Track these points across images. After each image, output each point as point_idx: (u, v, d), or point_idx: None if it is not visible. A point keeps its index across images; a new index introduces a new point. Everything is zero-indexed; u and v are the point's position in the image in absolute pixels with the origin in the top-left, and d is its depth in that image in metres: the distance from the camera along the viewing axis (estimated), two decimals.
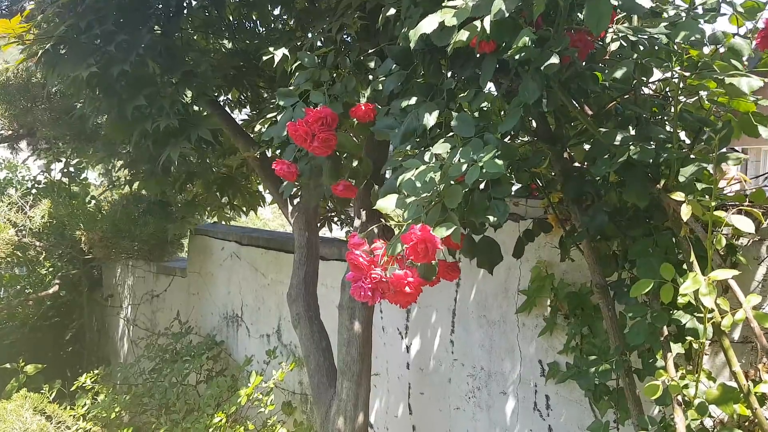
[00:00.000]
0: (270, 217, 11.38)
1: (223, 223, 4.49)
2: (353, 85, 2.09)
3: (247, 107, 3.83)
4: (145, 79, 2.70)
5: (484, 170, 1.32)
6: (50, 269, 6.12)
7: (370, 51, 2.20)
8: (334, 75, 2.16)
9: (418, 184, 1.39)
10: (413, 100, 1.69)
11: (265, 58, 2.41)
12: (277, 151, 3.43)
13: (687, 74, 1.36)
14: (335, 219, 3.57)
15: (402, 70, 1.80)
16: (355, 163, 2.42)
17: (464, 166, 1.36)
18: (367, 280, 1.27)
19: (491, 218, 1.39)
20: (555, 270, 2.43)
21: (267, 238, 4.18)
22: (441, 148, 1.50)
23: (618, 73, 1.26)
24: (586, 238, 1.64)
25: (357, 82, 2.10)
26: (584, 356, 2.27)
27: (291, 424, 3.79)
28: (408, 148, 1.75)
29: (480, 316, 2.75)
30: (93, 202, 5.84)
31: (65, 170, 6.11)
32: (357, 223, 2.55)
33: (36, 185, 6.05)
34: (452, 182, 1.38)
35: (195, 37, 3.36)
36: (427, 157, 1.43)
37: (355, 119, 2.06)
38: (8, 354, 6.05)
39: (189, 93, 2.80)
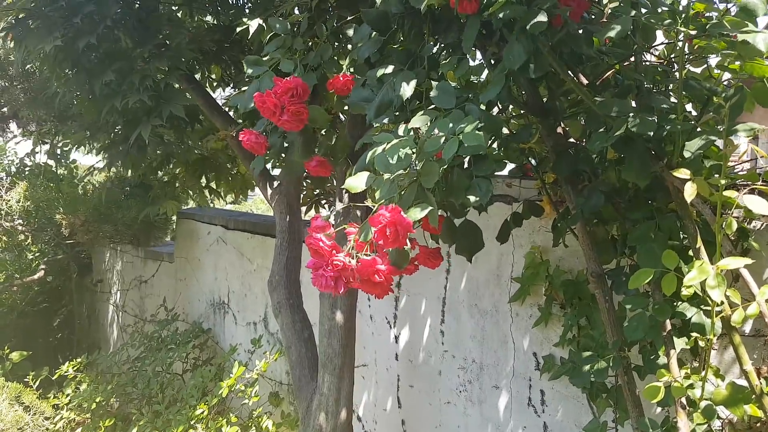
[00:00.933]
0: (258, 199, 11.23)
1: (211, 206, 4.36)
2: (330, 55, 1.93)
3: (231, 86, 3.67)
4: (116, 53, 2.54)
5: (463, 144, 1.17)
6: (36, 254, 6.00)
7: (348, 18, 2.03)
8: (310, 44, 2.00)
9: (391, 161, 1.24)
10: (389, 69, 1.53)
11: (239, 29, 2.25)
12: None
13: (693, 33, 1.20)
14: (323, 202, 3.42)
15: (379, 36, 1.64)
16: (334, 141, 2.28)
17: (442, 140, 1.21)
18: (329, 267, 1.12)
19: (472, 198, 1.24)
20: (550, 256, 2.29)
21: (253, 222, 4.04)
22: (419, 121, 1.35)
23: (612, 32, 1.09)
24: (581, 221, 1.49)
25: (334, 51, 1.95)
26: (580, 350, 2.14)
27: (278, 415, 3.67)
28: (385, 122, 1.60)
29: (471, 305, 2.61)
30: (80, 184, 5.71)
31: (51, 152, 5.96)
32: (339, 205, 2.40)
33: (21, 168, 5.90)
34: (431, 159, 1.23)
35: (179, 14, 3.19)
36: (401, 131, 1.27)
37: (332, 92, 1.91)
38: None
39: (163, 68, 2.64)
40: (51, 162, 5.90)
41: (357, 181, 1.31)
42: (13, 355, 5.40)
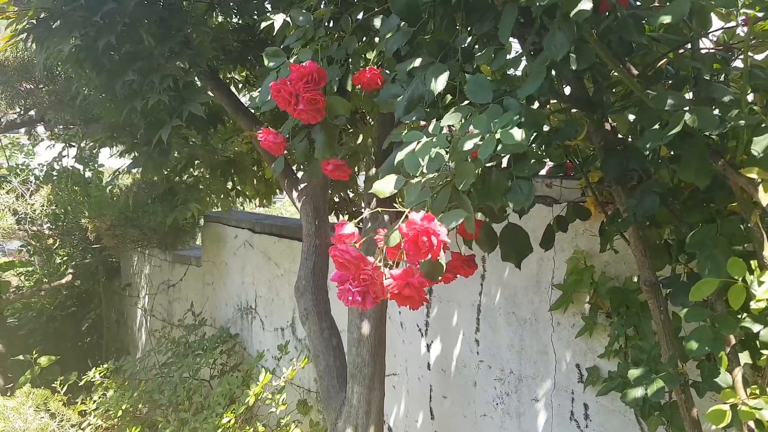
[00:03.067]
0: (287, 201, 11.25)
1: (238, 209, 4.33)
2: (355, 47, 1.86)
3: (257, 87, 3.63)
4: (137, 52, 2.51)
5: (502, 143, 1.08)
6: (64, 258, 6.08)
7: (376, 9, 1.96)
8: (336, 37, 1.93)
9: (422, 161, 1.16)
10: (418, 62, 1.45)
11: (264, 24, 2.19)
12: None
13: (761, 15, 1.09)
14: (344, 210, 3.36)
15: (409, 27, 1.56)
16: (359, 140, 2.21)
17: (478, 139, 1.12)
18: (356, 281, 1.05)
19: (512, 202, 1.16)
20: (595, 261, 2.18)
21: (280, 226, 3.99)
22: (452, 118, 1.27)
23: (667, 17, 0.99)
24: (633, 226, 1.39)
25: (361, 44, 1.87)
26: (629, 363, 2.02)
27: (307, 424, 3.62)
28: (414, 119, 1.52)
29: (509, 313, 2.51)
30: (108, 188, 5.76)
31: (79, 155, 6.03)
32: (367, 211, 2.33)
33: (49, 172, 5.98)
34: (466, 159, 1.14)
35: (205, 18, 3.17)
36: (432, 128, 1.19)
37: (359, 87, 1.84)
38: (25, 345, 6.06)
39: (184, 67, 2.61)
40: (79, 166, 5.97)
41: (385, 185, 1.24)
42: (41, 359, 5.49)
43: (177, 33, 2.51)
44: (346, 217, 4.10)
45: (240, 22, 3.35)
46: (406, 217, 1.16)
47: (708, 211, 1.40)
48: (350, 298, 1.05)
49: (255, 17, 3.37)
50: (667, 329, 1.44)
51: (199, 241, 5.85)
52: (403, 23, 1.63)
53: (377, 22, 1.92)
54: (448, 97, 1.46)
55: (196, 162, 3.50)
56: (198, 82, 2.65)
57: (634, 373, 1.46)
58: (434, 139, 1.14)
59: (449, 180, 1.20)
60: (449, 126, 1.27)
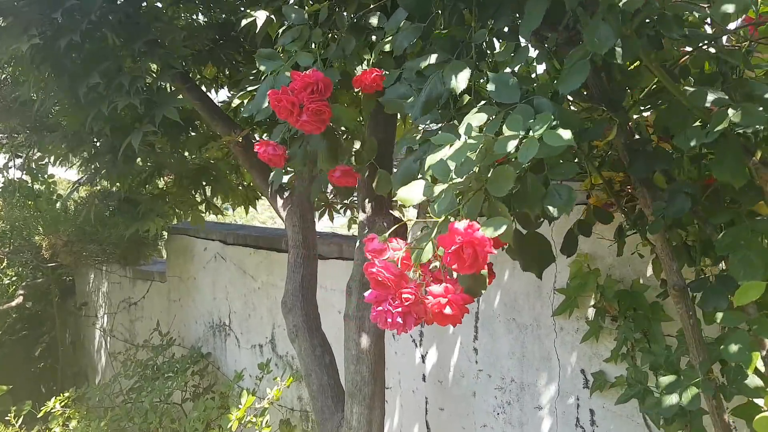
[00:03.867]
0: (258, 210, 11.03)
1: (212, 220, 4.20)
2: (352, 47, 1.80)
3: (226, 88, 3.53)
4: (102, 53, 2.39)
5: (545, 144, 1.04)
6: (13, 278, 5.81)
7: (372, 6, 1.90)
8: (329, 36, 1.87)
9: (453, 166, 1.10)
10: (434, 59, 1.40)
11: (244, 22, 2.11)
12: (264, 135, 3.16)
13: None
14: (339, 207, 3.27)
15: (419, 21, 1.51)
16: (357, 145, 2.14)
17: (513, 142, 1.08)
18: (397, 301, 0.98)
19: (551, 208, 1.12)
20: (599, 264, 2.16)
21: (255, 236, 3.89)
22: (477, 118, 1.22)
23: (729, 6, 0.97)
24: (663, 228, 1.37)
25: (358, 44, 1.81)
26: (638, 367, 2.01)
27: None
28: (426, 123, 1.47)
29: (509, 319, 2.48)
30: (60, 202, 5.52)
31: (27, 166, 5.77)
32: (362, 216, 2.27)
33: None
34: (499, 163, 1.10)
35: (166, 11, 3.05)
36: (463, 130, 1.14)
37: (358, 90, 1.78)
38: None
39: (154, 68, 2.51)
40: (26, 178, 5.71)
41: (411, 192, 1.18)
42: None
43: (145, 31, 2.40)
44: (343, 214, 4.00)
45: (206, 20, 3.25)
46: (440, 227, 1.11)
47: (734, 211, 1.39)
48: (389, 320, 0.99)
49: (223, 15, 3.28)
50: (696, 334, 1.43)
51: (163, 255, 5.68)
52: (404, 22, 1.59)
53: (374, 20, 1.86)
54: (465, 97, 1.41)
55: (164, 171, 3.37)
56: (170, 87, 2.55)
57: (665, 380, 1.44)
58: (468, 143, 1.08)
59: (479, 186, 1.15)
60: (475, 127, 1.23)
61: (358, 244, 2.27)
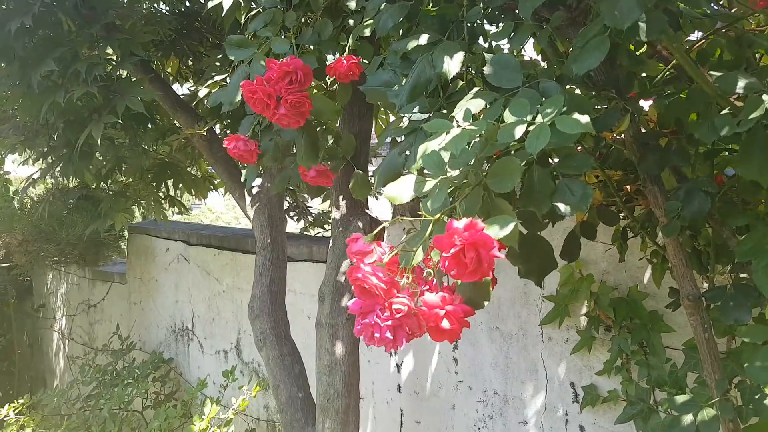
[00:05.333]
0: (222, 210, 10.68)
1: (170, 218, 3.96)
2: (330, 32, 1.62)
3: (190, 80, 3.32)
4: (56, 38, 2.17)
5: (558, 132, 0.88)
6: None
7: None
8: (302, 20, 1.68)
9: (455, 155, 0.93)
10: (423, 40, 1.23)
11: (210, 4, 1.91)
12: (227, 130, 2.95)
13: None
14: (290, 213, 3.09)
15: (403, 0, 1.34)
16: (330, 141, 1.97)
17: (520, 128, 0.91)
18: (386, 313, 0.81)
19: (562, 206, 0.95)
20: (591, 269, 2.02)
21: (220, 237, 3.67)
22: (473, 105, 1.06)
23: None
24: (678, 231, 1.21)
25: (336, 28, 1.63)
26: (632, 381, 1.87)
27: None
28: (412, 112, 1.30)
29: (492, 328, 2.32)
30: (17, 199, 5.21)
31: None
32: (336, 214, 2.09)
33: None
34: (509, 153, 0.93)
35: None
36: (461, 116, 0.97)
37: (330, 79, 1.61)
38: None
39: (113, 56, 2.29)
40: None
41: (400, 189, 1.00)
42: None
43: (102, 16, 2.19)
44: (299, 222, 3.81)
45: (168, 10, 3.04)
46: (434, 226, 0.94)
47: (752, 213, 1.25)
48: (377, 335, 0.82)
49: (188, 4, 3.08)
50: (712, 349, 1.28)
51: (124, 255, 5.40)
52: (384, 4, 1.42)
53: (352, 4, 1.68)
54: (458, 82, 1.24)
55: (123, 166, 3.14)
56: (131, 76, 2.33)
57: (679, 399, 1.29)
58: (469, 128, 0.91)
59: (480, 180, 0.98)
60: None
61: (331, 244, 2.09)
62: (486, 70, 1.12)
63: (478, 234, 0.78)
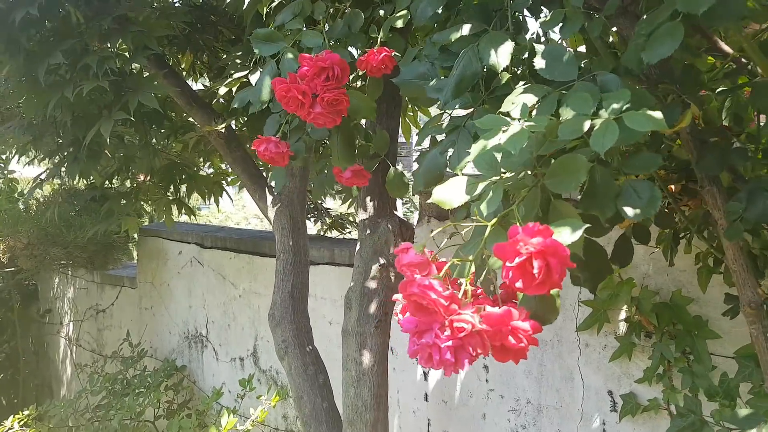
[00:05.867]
0: (232, 210, 10.63)
1: (180, 221, 3.95)
2: (360, 24, 1.59)
3: (204, 76, 3.29)
4: (64, 30, 2.15)
5: (628, 129, 0.84)
6: None
7: None
8: (330, 11, 1.65)
9: (513, 154, 0.89)
10: (466, 30, 1.19)
11: None
12: (244, 128, 2.92)
13: None
14: (308, 215, 3.06)
15: None
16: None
17: (586, 123, 0.87)
18: (447, 332, 0.77)
19: (629, 210, 0.91)
20: (631, 273, 1.97)
21: (236, 239, 3.65)
22: (523, 99, 1.02)
23: None
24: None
25: (367, 19, 1.60)
26: (675, 390, 1.83)
27: None
28: (454, 108, 1.26)
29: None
30: (22, 200, 5.21)
31: None
32: (363, 216, 2.05)
33: None
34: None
35: None
36: (517, 112, 0.93)
37: (364, 72, 1.57)
38: None
39: (125, 50, 2.27)
40: None
41: (450, 192, 0.97)
42: None
43: (113, 6, 2.16)
44: (317, 224, 3.78)
45: (182, 2, 3.02)
46: (494, 233, 0.90)
47: None
48: (436, 357, 0.78)
49: None
50: None
51: (134, 258, 5.40)
52: None
53: None
54: (504, 75, 1.20)
55: (132, 166, 3.12)
56: (143, 70, 2.31)
57: (740, 413, 1.24)
58: (528, 125, 0.87)
59: (538, 181, 0.95)
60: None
61: (358, 248, 2.05)
62: (537, 62, 1.08)
63: (549, 241, 0.74)
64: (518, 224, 0.92)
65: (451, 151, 1.20)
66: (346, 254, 3.01)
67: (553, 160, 0.97)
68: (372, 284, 1.98)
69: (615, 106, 0.88)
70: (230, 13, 2.95)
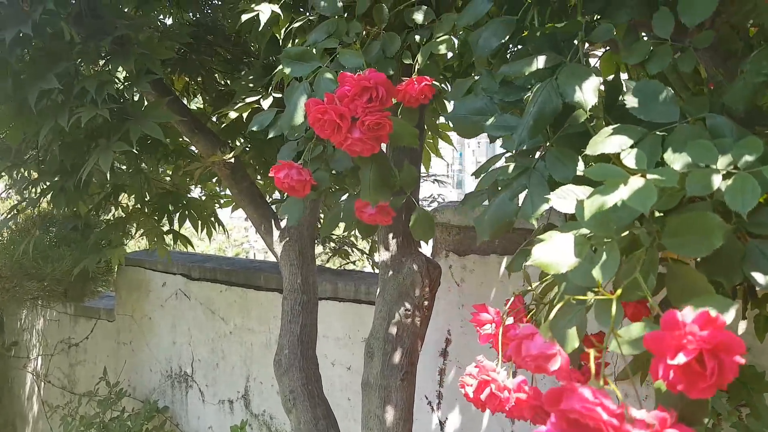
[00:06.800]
0: (221, 238, 10.40)
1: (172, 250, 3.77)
2: (397, 48, 1.49)
3: (198, 97, 3.17)
4: (58, 51, 2.01)
5: (764, 184, 0.75)
6: None
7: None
8: (364, 34, 1.55)
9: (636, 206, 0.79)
10: (541, 62, 1.09)
11: (245, 17, 1.77)
12: (250, 159, 2.79)
13: None
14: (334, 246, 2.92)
15: (506, 14, 1.20)
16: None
17: (716, 177, 0.77)
18: None
19: (760, 277, 0.81)
20: None
21: (227, 270, 3.49)
22: (613, 143, 0.92)
23: None
24: None
25: (404, 42, 1.50)
26: None
27: None
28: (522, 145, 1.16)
29: (554, 380, 2.15)
30: None
31: None
32: (384, 256, 1.93)
33: None
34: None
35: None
36: (632, 160, 0.83)
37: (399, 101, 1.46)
38: None
39: (127, 71, 2.14)
40: None
41: (556, 255, 0.86)
42: None
43: (112, 26, 2.03)
44: (317, 246, 3.62)
45: (178, 21, 2.91)
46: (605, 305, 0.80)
47: None
48: None
49: (195, 16, 2.96)
50: None
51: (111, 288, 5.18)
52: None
53: (419, 16, 1.55)
54: (580, 113, 1.10)
55: (122, 195, 2.97)
56: (143, 95, 2.18)
57: None
58: (655, 178, 0.77)
59: (652, 240, 0.84)
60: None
61: (379, 289, 1.93)
62: (628, 100, 0.98)
63: (722, 334, 0.63)
64: (648, 298, 0.82)
65: (522, 196, 1.10)
66: (351, 288, 2.88)
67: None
68: (396, 330, 1.86)
69: (748, 158, 0.78)
70: (229, 33, 2.84)
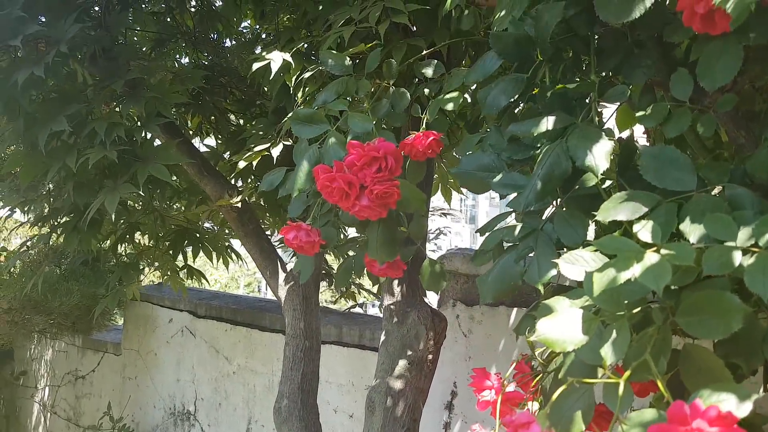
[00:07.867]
0: (235, 267, 10.33)
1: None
2: (406, 103, 1.45)
3: (210, 136, 3.16)
4: (69, 93, 2.00)
5: None
6: None
7: (424, 52, 1.58)
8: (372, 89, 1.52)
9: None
10: (551, 123, 1.04)
11: (256, 66, 1.75)
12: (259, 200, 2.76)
13: None
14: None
15: (516, 71, 1.16)
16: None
17: (736, 254, 0.71)
18: None
19: None
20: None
21: (233, 309, 3.43)
22: (632, 206, 0.88)
23: None
24: None
25: (413, 98, 1.47)
26: None
27: None
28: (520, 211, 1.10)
29: None
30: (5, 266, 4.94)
31: None
32: (388, 302, 1.87)
33: None
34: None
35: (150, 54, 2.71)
36: (647, 235, 0.77)
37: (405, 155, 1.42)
38: None
39: (137, 114, 2.12)
40: None
41: (562, 330, 0.81)
42: None
43: (123, 70, 2.02)
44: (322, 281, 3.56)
45: (193, 62, 2.93)
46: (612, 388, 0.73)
47: None
48: None
49: (208, 57, 2.97)
50: None
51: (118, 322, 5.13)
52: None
53: (428, 71, 1.52)
54: (589, 177, 1.05)
55: (135, 233, 2.94)
56: (152, 138, 2.16)
57: None
58: (669, 253, 0.71)
59: (666, 318, 0.78)
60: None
61: (383, 339, 1.86)
62: (642, 166, 0.93)
63: (732, 429, 0.57)
64: (659, 383, 0.75)
65: (527, 260, 1.04)
66: (355, 333, 2.81)
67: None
68: (399, 384, 1.78)
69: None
70: (243, 75, 2.84)
